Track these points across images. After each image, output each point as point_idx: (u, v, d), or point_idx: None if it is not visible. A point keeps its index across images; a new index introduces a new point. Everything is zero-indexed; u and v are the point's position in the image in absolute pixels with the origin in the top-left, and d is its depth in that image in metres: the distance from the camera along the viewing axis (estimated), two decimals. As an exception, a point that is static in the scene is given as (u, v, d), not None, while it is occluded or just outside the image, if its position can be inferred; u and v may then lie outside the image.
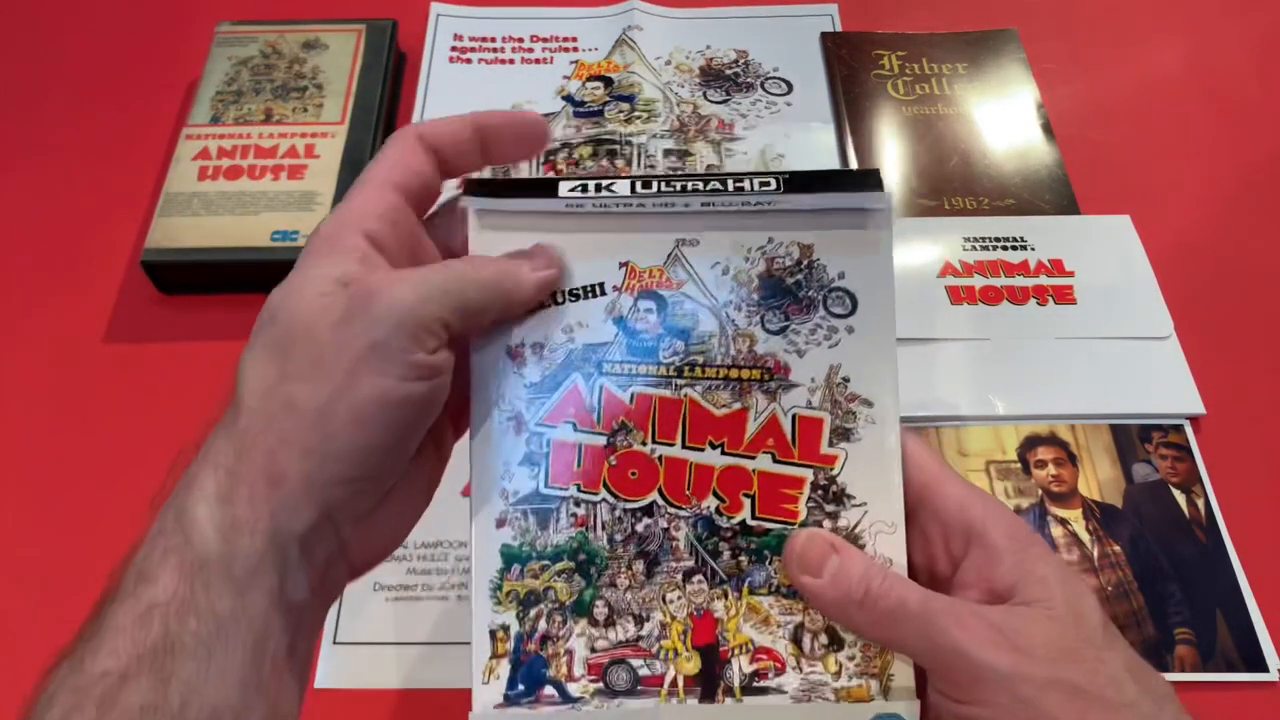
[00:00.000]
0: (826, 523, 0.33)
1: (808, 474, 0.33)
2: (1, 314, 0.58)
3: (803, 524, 0.33)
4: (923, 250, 0.58)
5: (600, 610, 0.33)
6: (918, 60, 0.68)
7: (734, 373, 0.33)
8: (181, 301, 0.58)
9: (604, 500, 0.33)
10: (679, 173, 0.33)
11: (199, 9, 0.71)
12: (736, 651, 0.33)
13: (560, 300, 0.33)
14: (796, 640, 0.33)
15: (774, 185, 0.32)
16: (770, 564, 0.33)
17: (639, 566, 0.33)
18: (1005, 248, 0.58)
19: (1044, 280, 0.57)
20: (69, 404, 0.55)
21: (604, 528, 0.33)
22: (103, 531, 0.50)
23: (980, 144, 0.64)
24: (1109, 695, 0.28)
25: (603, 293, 0.33)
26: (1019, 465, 0.51)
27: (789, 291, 0.33)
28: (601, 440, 0.33)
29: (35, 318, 0.58)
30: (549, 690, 0.32)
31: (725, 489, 0.33)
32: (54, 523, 0.51)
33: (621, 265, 0.33)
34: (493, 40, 0.71)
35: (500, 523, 0.33)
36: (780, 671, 0.33)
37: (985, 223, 0.60)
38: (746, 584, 0.33)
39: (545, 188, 0.33)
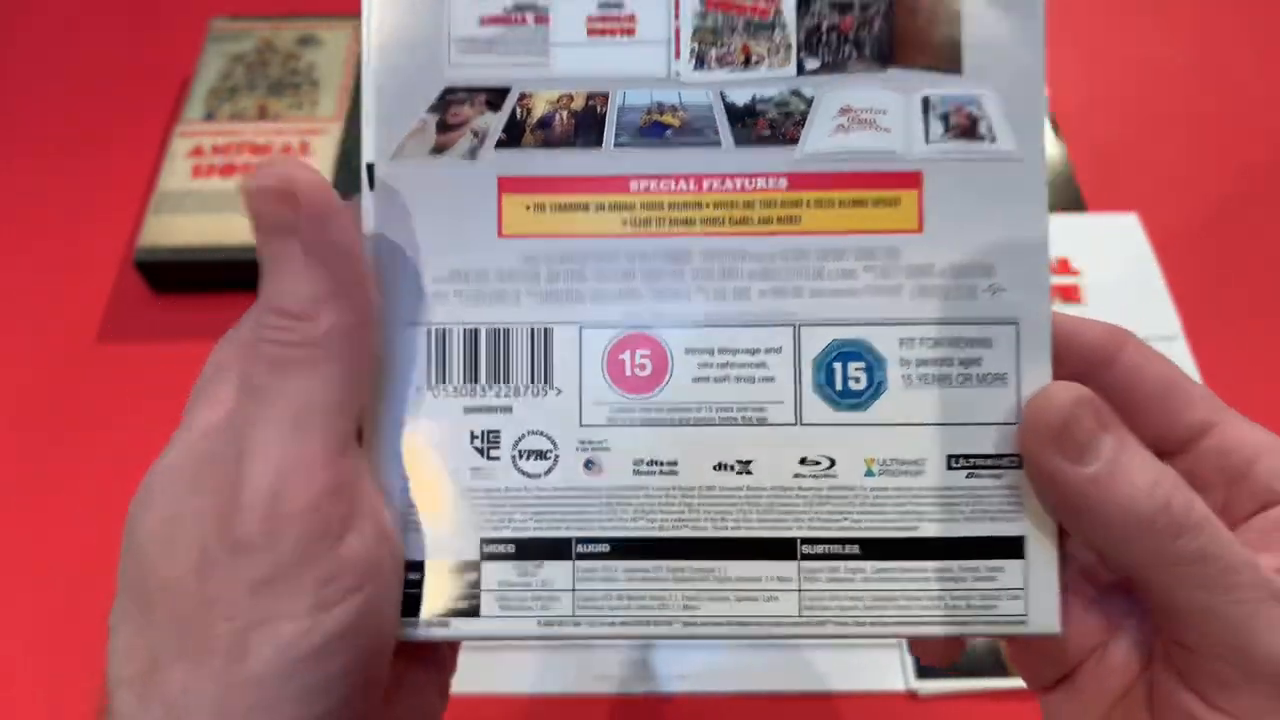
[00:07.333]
0: None
1: None
2: (-7, 313, 0.58)
3: None
4: (927, 249, 0.58)
5: None
6: (921, 56, 0.67)
7: None
8: (175, 300, 0.57)
9: None
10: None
11: (193, 3, 0.71)
12: None
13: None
14: None
15: None
16: None
17: None
18: (1011, 246, 0.58)
19: (1050, 279, 0.56)
20: (62, 404, 0.54)
21: None
22: (97, 532, 0.50)
23: (985, 141, 0.63)
24: None
25: None
26: (1025, 467, 0.51)
27: None
28: None
29: (27, 317, 0.57)
30: None
31: None
32: (48, 523, 0.50)
33: None
34: (491, 35, 0.70)
35: None
36: None
37: (990, 221, 0.59)
38: None
39: None
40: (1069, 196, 0.61)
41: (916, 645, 0.26)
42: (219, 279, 0.57)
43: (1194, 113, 0.66)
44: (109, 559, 0.51)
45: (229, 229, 0.56)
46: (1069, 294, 0.56)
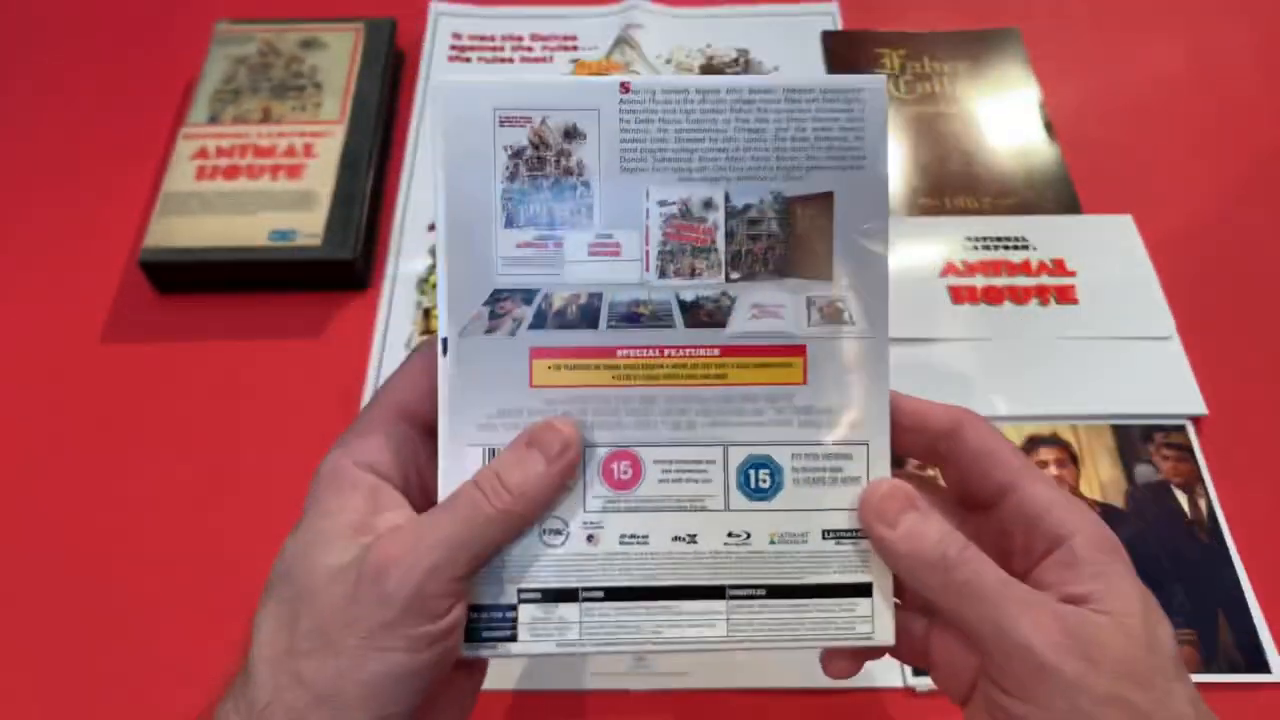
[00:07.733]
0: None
1: None
2: (-2, 314, 0.58)
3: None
4: (924, 250, 0.58)
5: None
6: (919, 59, 0.68)
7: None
8: (179, 301, 0.58)
9: None
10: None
11: (197, 7, 0.71)
12: None
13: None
14: None
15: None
16: None
17: None
18: (1007, 247, 0.58)
19: (1046, 280, 0.57)
20: (66, 405, 0.54)
21: None
22: (99, 533, 0.50)
23: (982, 143, 0.64)
24: None
25: None
26: (1021, 466, 0.51)
27: None
28: None
29: (32, 318, 0.58)
30: None
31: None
32: (50, 524, 0.50)
33: None
34: (492, 39, 0.70)
35: None
36: None
37: (987, 222, 0.59)
38: None
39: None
40: (1064, 198, 0.61)
41: (825, 663, 0.34)
42: (223, 280, 0.57)
43: (1188, 115, 0.66)
44: (110, 557, 0.51)
45: (232, 230, 0.57)
46: (1064, 294, 0.56)
